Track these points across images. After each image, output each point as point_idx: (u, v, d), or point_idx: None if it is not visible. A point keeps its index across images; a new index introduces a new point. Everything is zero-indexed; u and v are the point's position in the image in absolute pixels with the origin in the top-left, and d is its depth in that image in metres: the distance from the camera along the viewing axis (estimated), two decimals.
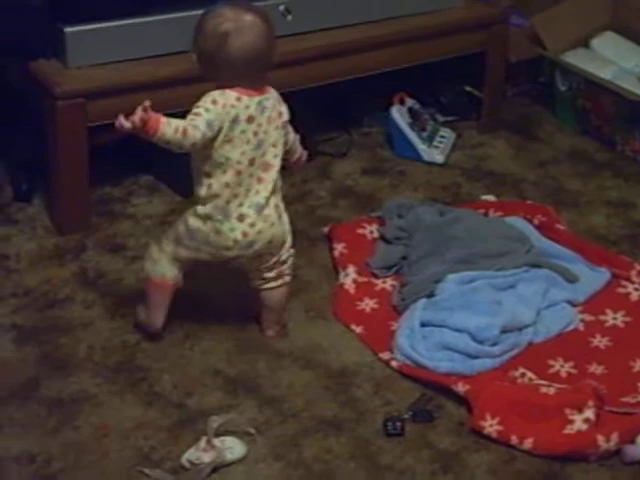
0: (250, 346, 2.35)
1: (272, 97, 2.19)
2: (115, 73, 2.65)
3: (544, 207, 2.87)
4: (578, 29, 3.56)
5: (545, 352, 2.35)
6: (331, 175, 3.10)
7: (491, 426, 2.10)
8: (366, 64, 3.05)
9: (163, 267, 2.25)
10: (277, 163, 2.21)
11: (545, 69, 3.60)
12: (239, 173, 2.15)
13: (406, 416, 2.15)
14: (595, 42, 3.58)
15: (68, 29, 2.62)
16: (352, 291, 2.52)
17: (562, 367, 2.30)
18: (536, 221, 2.78)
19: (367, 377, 2.27)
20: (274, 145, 2.19)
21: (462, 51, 3.24)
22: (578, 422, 2.09)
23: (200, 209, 2.19)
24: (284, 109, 2.24)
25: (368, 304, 2.49)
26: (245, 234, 2.18)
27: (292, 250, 2.34)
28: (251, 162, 2.15)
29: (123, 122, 2.01)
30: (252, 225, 2.18)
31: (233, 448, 2.03)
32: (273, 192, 2.21)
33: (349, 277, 2.55)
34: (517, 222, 2.73)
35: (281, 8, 2.90)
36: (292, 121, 2.29)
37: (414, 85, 3.32)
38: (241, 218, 2.17)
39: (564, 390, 2.17)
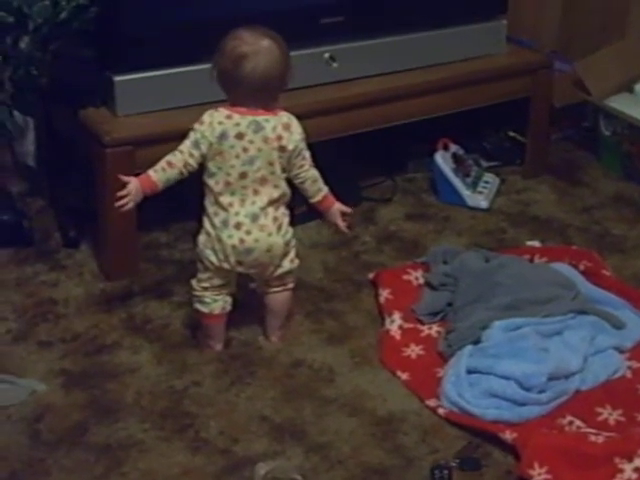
0: (296, 392, 2.36)
1: (275, 120, 2.31)
2: (163, 121, 2.69)
3: (589, 252, 2.85)
4: (621, 74, 3.55)
5: (593, 400, 2.32)
6: (376, 220, 3.11)
7: (539, 475, 2.08)
8: (411, 111, 3.07)
9: (207, 302, 2.42)
10: (276, 180, 2.34)
11: (589, 114, 3.60)
12: (228, 184, 2.32)
13: (453, 464, 2.13)
14: (639, 87, 3.57)
15: (117, 78, 2.66)
16: (398, 337, 2.52)
17: (610, 415, 2.28)
18: (581, 267, 2.76)
19: (414, 424, 2.26)
20: (271, 164, 2.32)
21: (507, 97, 3.25)
22: (628, 471, 2.06)
23: (205, 222, 2.37)
24: (286, 135, 2.32)
25: (414, 350, 2.49)
26: (242, 241, 2.33)
27: (297, 261, 2.46)
28: (242, 175, 2.31)
29: (129, 206, 2.32)
30: (248, 233, 2.33)
31: None
32: (271, 204, 2.34)
33: (395, 323, 2.55)
34: (563, 268, 2.72)
35: (326, 56, 2.93)
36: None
37: (458, 130, 3.32)
38: (238, 226, 2.33)
39: (613, 438, 2.15)
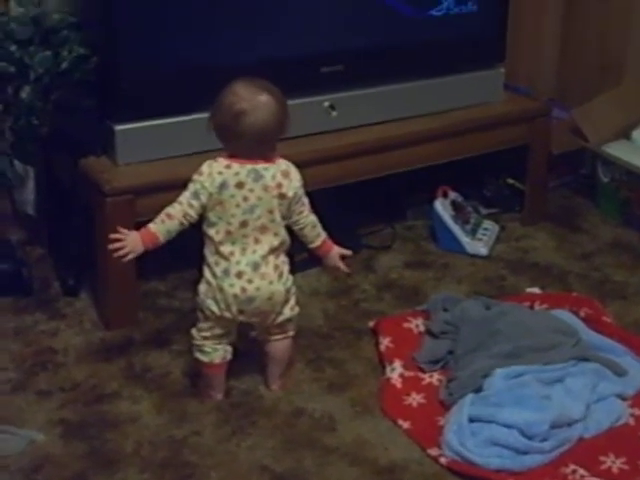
0: (296, 442, 2.34)
1: (274, 168, 2.33)
2: (163, 169, 2.70)
3: (590, 299, 2.85)
4: (619, 120, 3.56)
5: (596, 448, 2.31)
6: (375, 268, 3.11)
7: None
8: (409, 159, 3.08)
9: (207, 351, 2.42)
10: (276, 227, 2.35)
11: (587, 161, 3.62)
12: (229, 233, 2.32)
13: None
14: (636, 133, 3.58)
15: (118, 127, 2.68)
16: (399, 386, 2.51)
17: (614, 463, 2.26)
18: (582, 313, 2.76)
19: (416, 474, 2.24)
20: (271, 212, 2.33)
21: (505, 144, 3.26)
22: None
23: (206, 271, 2.37)
24: (286, 182, 2.34)
25: (415, 399, 2.48)
26: (244, 290, 2.33)
27: (297, 308, 2.46)
28: (243, 224, 2.32)
29: (127, 257, 2.33)
30: (250, 281, 2.33)
31: None
32: (272, 252, 2.35)
33: (395, 371, 2.54)
34: (563, 315, 2.71)
35: (326, 104, 2.95)
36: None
37: (457, 178, 3.34)
38: (239, 275, 2.33)
39: None
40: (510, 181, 3.47)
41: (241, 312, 2.36)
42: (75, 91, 2.69)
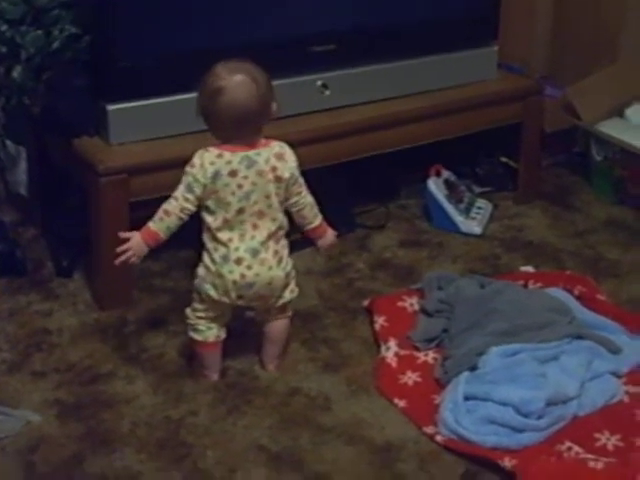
0: (293, 421, 2.34)
1: (267, 152, 2.32)
2: (157, 149, 2.69)
3: (584, 277, 2.86)
4: (612, 99, 3.56)
5: (591, 425, 2.31)
6: (369, 247, 3.11)
7: None
8: (403, 137, 3.07)
9: (201, 330, 2.42)
10: (274, 212, 2.34)
11: (580, 139, 3.62)
12: (226, 221, 2.31)
13: None
14: (629, 111, 3.58)
15: (110, 107, 2.66)
16: (394, 365, 2.51)
17: (608, 440, 2.27)
18: (576, 292, 2.77)
19: (412, 452, 2.25)
20: (267, 197, 2.32)
21: (497, 123, 3.26)
22: None
23: (205, 257, 2.37)
24: (280, 165, 2.33)
25: (410, 377, 2.48)
26: (243, 276, 2.33)
27: (297, 290, 2.48)
28: (239, 211, 2.31)
29: (133, 260, 2.35)
30: (249, 268, 2.33)
31: None
32: (270, 238, 2.35)
33: (390, 350, 2.54)
34: (558, 293, 2.72)
35: (318, 83, 2.94)
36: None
37: (450, 157, 3.33)
38: (238, 261, 2.32)
39: (612, 464, 2.15)
40: (503, 159, 3.47)
41: (240, 297, 2.36)
42: (67, 71, 2.67)
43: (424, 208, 3.29)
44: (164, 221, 2.33)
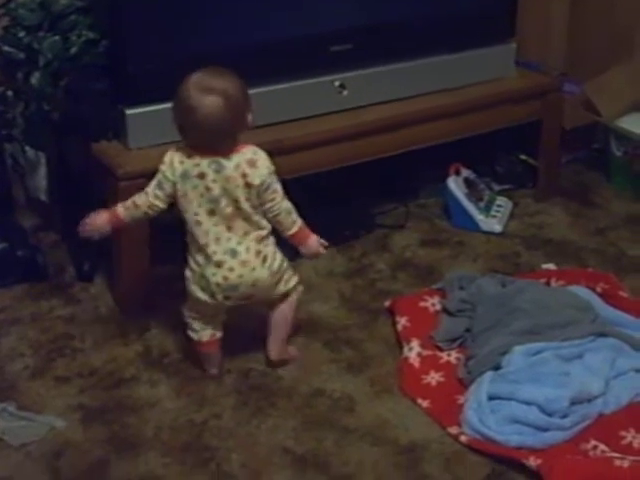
0: (316, 422, 2.34)
1: (238, 158, 2.30)
2: None
3: (606, 274, 2.84)
4: (631, 93, 3.54)
5: (616, 423, 2.30)
6: (389, 247, 3.10)
7: None
8: (421, 136, 3.06)
9: (196, 329, 2.46)
10: (245, 214, 2.32)
11: (599, 135, 3.60)
12: (199, 224, 2.32)
13: None
14: None
15: (129, 111, 2.66)
16: (417, 365, 2.51)
17: (634, 438, 2.26)
18: (599, 289, 2.75)
19: (436, 452, 2.24)
20: (236, 201, 2.30)
21: (517, 120, 3.25)
22: None
23: (189, 259, 2.39)
24: (251, 171, 2.30)
25: (434, 378, 2.47)
26: (226, 278, 2.33)
27: (294, 280, 2.47)
28: (210, 212, 2.32)
29: (91, 236, 2.43)
30: (231, 270, 2.33)
31: None
32: (247, 238, 2.33)
33: (413, 351, 2.54)
34: (580, 291, 2.70)
35: (336, 84, 2.93)
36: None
37: (469, 155, 3.32)
38: (219, 264, 2.33)
39: (638, 462, 2.13)
40: (522, 157, 3.45)
41: (227, 298, 2.37)
42: (85, 76, 2.67)
43: (444, 207, 3.28)
44: (131, 211, 2.38)
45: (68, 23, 2.67)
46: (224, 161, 2.30)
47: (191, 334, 2.47)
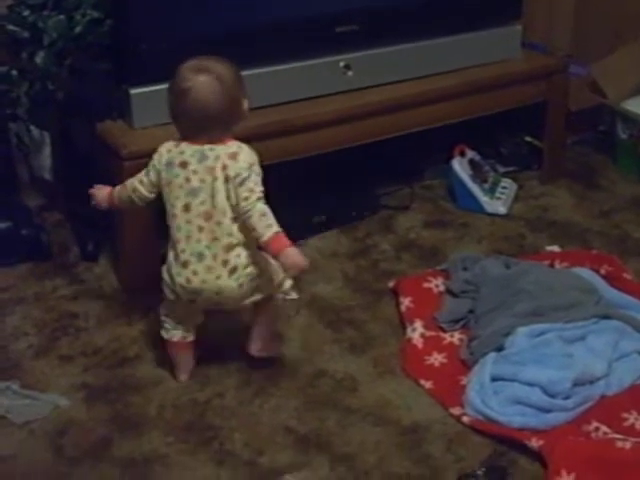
0: (319, 402, 2.35)
1: (221, 149, 2.24)
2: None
3: (610, 257, 2.84)
4: (637, 76, 3.53)
5: (618, 405, 2.30)
6: (394, 228, 3.10)
7: None
8: (426, 117, 3.06)
9: (167, 328, 2.41)
10: (220, 216, 2.24)
11: (605, 117, 3.59)
12: (174, 217, 2.28)
13: (480, 472, 2.12)
14: None
15: (133, 90, 2.66)
16: (420, 346, 2.51)
17: (637, 420, 2.26)
18: (602, 271, 2.75)
19: (439, 433, 2.25)
20: (214, 197, 2.23)
21: (522, 102, 3.24)
22: None
23: (168, 256, 2.33)
24: (231, 163, 2.23)
25: (437, 358, 2.48)
26: (189, 280, 2.26)
27: (270, 289, 2.35)
28: (186, 208, 2.26)
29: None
30: (195, 273, 2.25)
31: None
32: (216, 244, 2.24)
33: (416, 331, 2.54)
34: (584, 273, 2.70)
35: (341, 64, 2.93)
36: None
37: (474, 136, 3.32)
38: (185, 264, 2.26)
39: None
40: (528, 139, 3.44)
41: (192, 301, 2.31)
42: (90, 55, 2.67)
43: (448, 188, 3.28)
44: (120, 192, 2.39)
45: (72, 2, 2.66)
46: (207, 151, 2.24)
47: (162, 332, 2.41)
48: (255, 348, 2.43)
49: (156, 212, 2.66)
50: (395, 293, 2.71)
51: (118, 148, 2.62)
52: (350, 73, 2.94)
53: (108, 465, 2.16)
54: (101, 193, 2.43)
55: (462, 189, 3.20)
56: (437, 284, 2.71)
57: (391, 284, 2.75)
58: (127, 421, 2.28)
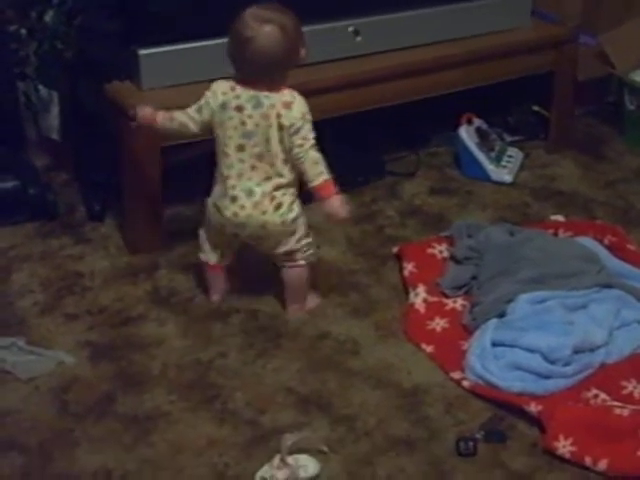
0: (321, 364, 2.37)
1: (276, 98, 2.32)
2: (188, 94, 2.66)
3: (614, 227, 2.85)
4: None
5: (618, 373, 2.32)
6: (399, 195, 3.11)
7: (564, 447, 2.08)
8: (434, 85, 3.06)
9: (206, 252, 2.52)
10: (272, 159, 2.35)
11: (613, 88, 3.59)
12: (226, 155, 2.37)
13: (478, 436, 2.14)
14: None
15: (142, 51, 2.66)
16: (422, 310, 2.53)
17: (635, 388, 2.28)
18: (606, 241, 2.76)
19: (439, 396, 2.27)
20: (267, 141, 2.33)
21: (530, 71, 3.24)
22: None
23: (214, 189, 2.43)
24: (285, 112, 2.32)
25: (439, 323, 2.49)
26: (235, 214, 2.38)
27: (305, 241, 2.46)
28: (239, 148, 2.35)
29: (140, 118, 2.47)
30: (242, 207, 2.37)
31: (307, 466, 2.05)
32: (268, 183, 2.36)
33: (419, 296, 2.56)
34: (587, 242, 2.71)
35: (350, 29, 2.93)
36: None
37: (482, 105, 3.31)
38: (234, 199, 2.37)
39: (638, 411, 2.16)
40: (535, 108, 3.44)
41: (236, 235, 2.43)
42: (99, 15, 2.67)
43: (455, 156, 3.29)
44: (166, 121, 2.43)
45: None
46: (263, 98, 2.32)
47: (201, 255, 2.53)
48: (291, 311, 2.53)
49: (162, 173, 2.68)
50: (399, 258, 2.72)
51: (126, 109, 2.62)
52: (359, 38, 2.94)
53: (111, 421, 2.18)
54: (143, 111, 2.45)
55: (468, 157, 3.20)
56: (441, 250, 2.73)
57: (395, 249, 2.76)
58: (131, 379, 2.31)
